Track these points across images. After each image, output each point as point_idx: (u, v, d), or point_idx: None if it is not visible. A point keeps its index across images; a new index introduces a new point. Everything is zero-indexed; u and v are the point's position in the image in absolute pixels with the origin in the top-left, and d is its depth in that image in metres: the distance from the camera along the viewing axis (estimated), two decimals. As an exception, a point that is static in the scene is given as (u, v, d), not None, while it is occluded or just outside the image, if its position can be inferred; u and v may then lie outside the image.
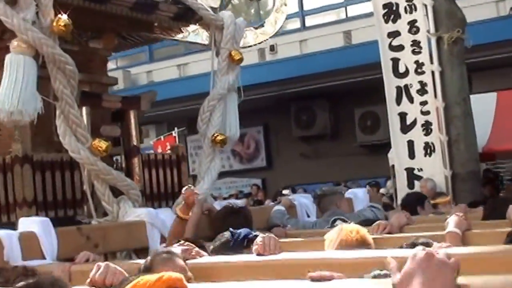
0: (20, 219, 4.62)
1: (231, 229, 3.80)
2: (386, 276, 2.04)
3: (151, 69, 18.86)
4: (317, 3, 17.45)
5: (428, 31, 8.73)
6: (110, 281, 2.52)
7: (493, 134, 10.34)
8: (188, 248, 3.21)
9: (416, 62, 8.74)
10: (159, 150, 14.53)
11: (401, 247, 3.26)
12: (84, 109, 5.31)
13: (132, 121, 5.75)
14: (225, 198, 13.13)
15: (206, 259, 3.23)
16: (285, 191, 13.47)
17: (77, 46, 5.83)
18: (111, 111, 5.87)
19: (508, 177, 13.18)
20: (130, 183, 5.23)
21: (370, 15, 10.45)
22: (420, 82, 8.72)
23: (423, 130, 8.68)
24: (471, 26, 9.55)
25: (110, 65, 8.30)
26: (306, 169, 16.13)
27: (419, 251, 1.57)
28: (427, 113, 8.67)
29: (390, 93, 8.89)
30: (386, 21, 8.93)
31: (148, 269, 2.61)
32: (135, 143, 5.75)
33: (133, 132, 5.74)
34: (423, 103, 8.68)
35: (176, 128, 15.94)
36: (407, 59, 8.78)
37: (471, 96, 9.10)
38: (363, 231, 3.31)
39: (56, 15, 4.84)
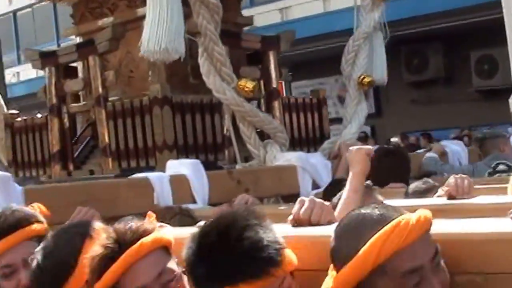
0: (168, 162, 4.40)
1: None
2: None
3: (252, 14, 18.45)
4: None
5: None
6: (317, 219, 2.14)
7: None
8: None
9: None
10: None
11: None
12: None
13: (272, 62, 5.40)
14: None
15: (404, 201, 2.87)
16: (393, 139, 13.07)
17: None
18: (247, 52, 5.56)
19: None
20: (277, 125, 4.91)
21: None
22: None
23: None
24: None
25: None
26: (417, 116, 15.52)
27: None
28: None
29: (511, 35, 8.19)
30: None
31: None
32: (275, 86, 5.40)
33: (273, 74, 5.41)
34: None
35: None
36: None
37: None
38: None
39: None
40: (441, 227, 1.74)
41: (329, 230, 1.80)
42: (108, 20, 5.55)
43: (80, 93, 5.70)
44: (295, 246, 1.86)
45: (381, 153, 4.57)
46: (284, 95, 6.76)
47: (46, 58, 5.59)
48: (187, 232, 2.04)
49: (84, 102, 5.61)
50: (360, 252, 1.65)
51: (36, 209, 2.84)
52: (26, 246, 2.50)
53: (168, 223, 2.53)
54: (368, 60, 5.56)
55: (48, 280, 2.26)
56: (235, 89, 4.69)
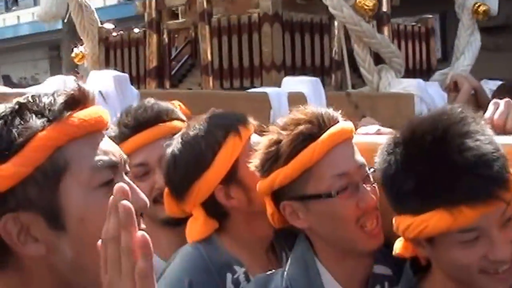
0: (284, 78, 4.20)
1: None
2: None
3: None
4: None
5: None
6: None
7: None
8: None
9: None
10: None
11: None
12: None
13: (385, -18, 5.11)
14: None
15: None
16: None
17: None
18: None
19: None
20: (394, 49, 4.65)
21: None
22: None
23: None
24: None
25: None
26: (485, 63, 15.02)
27: None
28: None
29: None
30: None
31: None
32: (385, 10, 5.12)
33: (385, -2, 5.11)
34: None
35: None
36: None
37: None
38: None
39: None
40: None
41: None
42: None
43: (179, 9, 5.50)
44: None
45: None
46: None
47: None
48: (373, 140, 1.87)
49: (183, 19, 5.41)
50: None
51: (177, 106, 2.63)
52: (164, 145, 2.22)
53: None
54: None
55: (181, 172, 2.05)
56: (353, 6, 4.44)
